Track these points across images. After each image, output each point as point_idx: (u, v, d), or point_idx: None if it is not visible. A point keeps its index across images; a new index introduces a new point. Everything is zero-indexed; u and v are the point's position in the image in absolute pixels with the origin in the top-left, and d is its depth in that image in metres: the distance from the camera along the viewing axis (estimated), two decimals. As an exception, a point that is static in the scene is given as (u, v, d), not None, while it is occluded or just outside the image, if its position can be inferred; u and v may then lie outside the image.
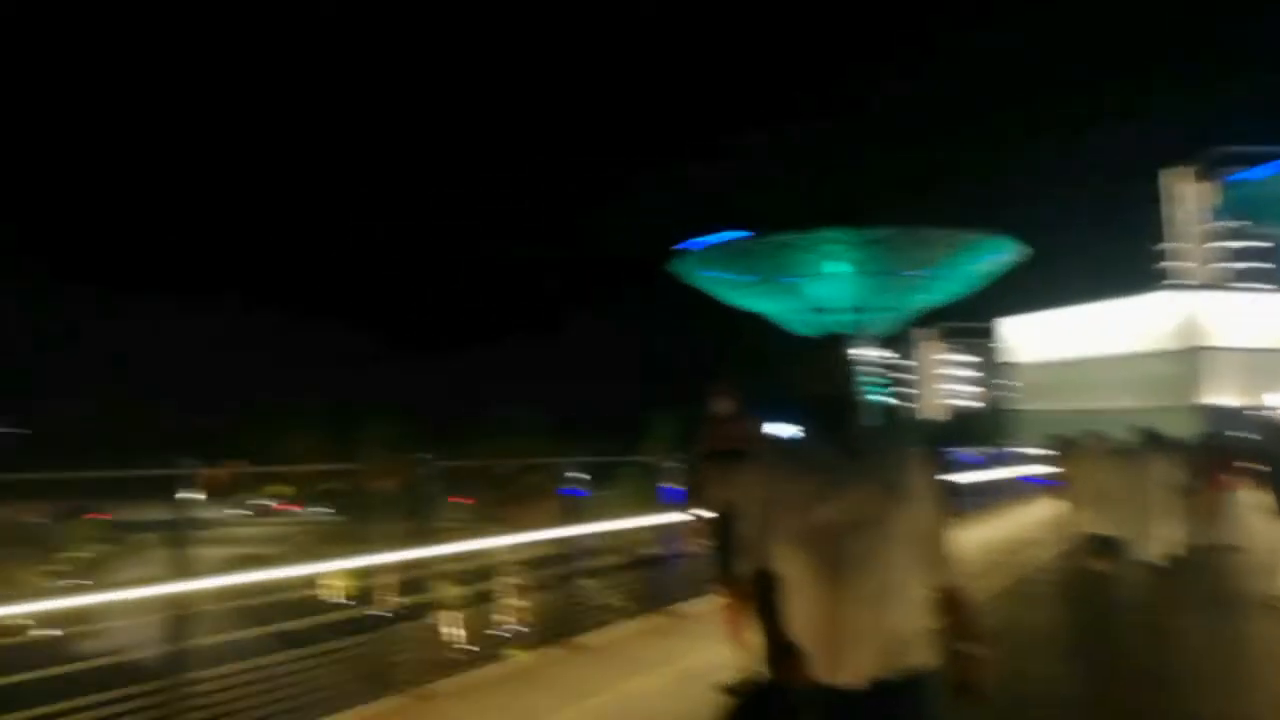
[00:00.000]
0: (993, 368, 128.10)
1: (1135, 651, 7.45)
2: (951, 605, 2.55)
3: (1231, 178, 55.19)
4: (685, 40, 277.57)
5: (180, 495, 4.58)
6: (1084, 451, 14.08)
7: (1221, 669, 6.95)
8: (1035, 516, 16.44)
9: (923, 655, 2.44)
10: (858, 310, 53.35)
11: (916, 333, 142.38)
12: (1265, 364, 46.43)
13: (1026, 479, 21.22)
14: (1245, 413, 43.62)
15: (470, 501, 40.66)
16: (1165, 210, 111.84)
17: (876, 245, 49.51)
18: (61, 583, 31.00)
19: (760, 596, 2.36)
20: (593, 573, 8.18)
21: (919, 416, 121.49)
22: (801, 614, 2.41)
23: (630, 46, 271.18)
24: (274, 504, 62.86)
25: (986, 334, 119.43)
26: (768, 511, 2.48)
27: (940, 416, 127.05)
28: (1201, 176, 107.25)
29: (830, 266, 52.07)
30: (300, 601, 6.56)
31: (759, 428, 5.65)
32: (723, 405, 5.66)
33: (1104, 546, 11.71)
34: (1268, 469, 10.73)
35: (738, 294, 55.44)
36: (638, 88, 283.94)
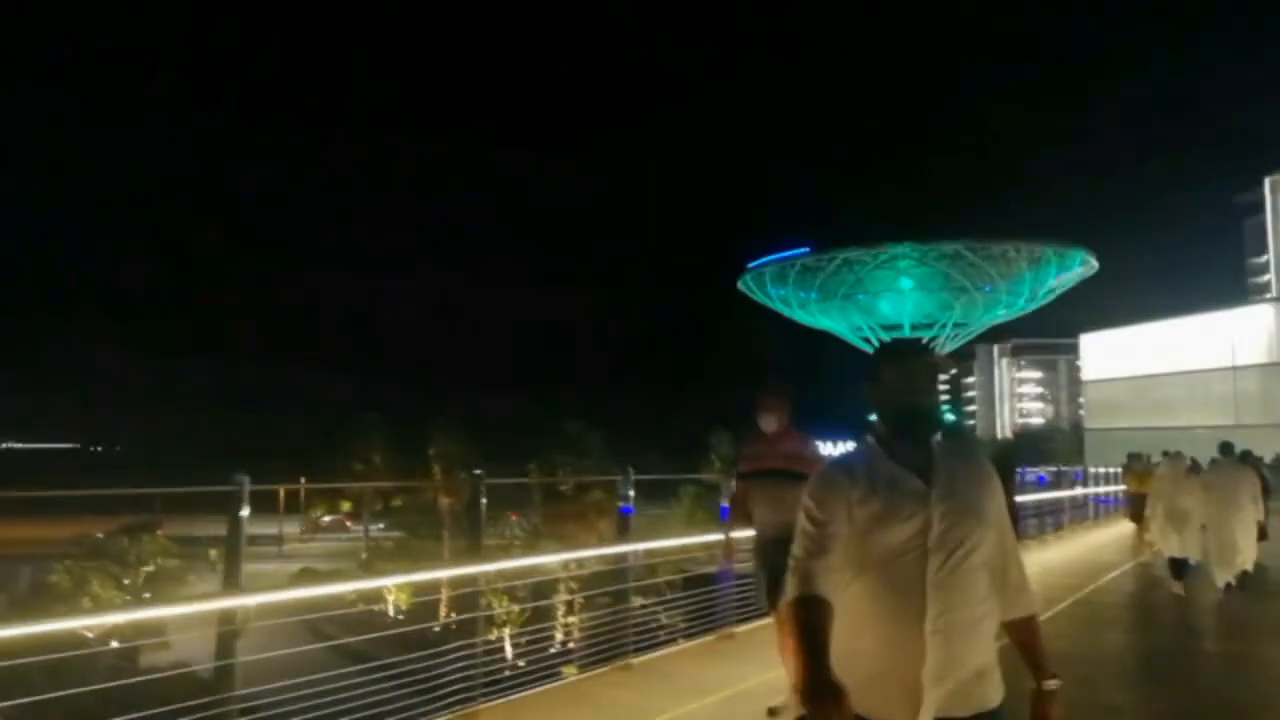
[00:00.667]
0: (1065, 385, 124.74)
1: (1205, 680, 7.10)
2: (1024, 636, 2.41)
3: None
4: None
5: (239, 512, 4.66)
6: (1162, 470, 13.52)
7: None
8: (1109, 537, 15.84)
9: (994, 692, 2.27)
10: (926, 326, 52.45)
11: (985, 349, 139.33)
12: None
13: (1097, 499, 20.48)
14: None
15: (515, 517, 40.90)
16: (1270, 220, 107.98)
17: (944, 260, 48.61)
18: (129, 598, 32.06)
19: (804, 625, 2.12)
20: (647, 591, 8.11)
21: (987, 434, 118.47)
22: (861, 647, 2.20)
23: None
24: (336, 519, 64.18)
25: (1059, 350, 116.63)
26: (829, 532, 2.24)
27: (1009, 434, 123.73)
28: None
29: (899, 281, 51.33)
30: (359, 617, 6.66)
31: (810, 444, 5.30)
32: (771, 420, 5.29)
33: (1180, 567, 11.28)
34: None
35: (806, 311, 54.97)
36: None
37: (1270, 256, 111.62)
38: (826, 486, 2.30)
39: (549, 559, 7.96)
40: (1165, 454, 14.52)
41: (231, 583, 4.75)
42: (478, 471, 6.87)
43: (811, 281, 51.85)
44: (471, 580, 6.19)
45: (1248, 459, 16.28)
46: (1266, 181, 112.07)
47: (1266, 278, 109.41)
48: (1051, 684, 2.35)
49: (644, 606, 7.97)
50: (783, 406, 5.30)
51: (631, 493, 7.48)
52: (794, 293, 53.15)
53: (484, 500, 6.49)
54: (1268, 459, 18.27)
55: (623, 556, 7.38)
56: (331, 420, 64.72)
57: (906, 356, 2.44)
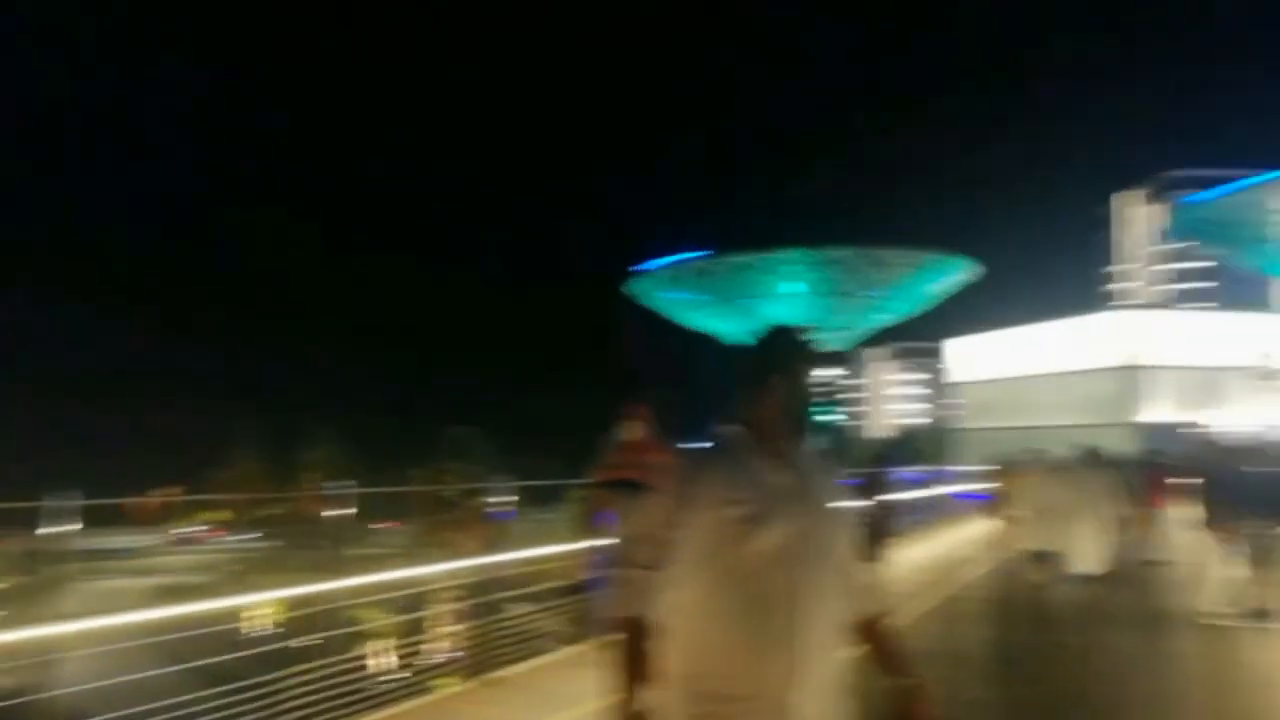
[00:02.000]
0: (941, 386, 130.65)
1: (1065, 672, 7.43)
2: (876, 634, 2.27)
3: (1184, 200, 56.92)
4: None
5: (47, 529, 4.30)
6: (1024, 468, 14.40)
7: (1150, 690, 6.96)
8: (973, 533, 16.55)
9: (839, 700, 2.13)
10: (813, 330, 53.89)
11: (867, 352, 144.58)
12: (1201, 381, 47.72)
13: (967, 495, 21.41)
14: (1179, 430, 44.71)
15: (398, 525, 39.91)
16: (1115, 233, 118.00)
17: (832, 265, 50.08)
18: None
19: (630, 650, 1.96)
20: (521, 600, 7.96)
21: (866, 434, 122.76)
22: (721, 667, 1.98)
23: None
24: (204, 529, 61.05)
25: (936, 353, 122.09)
26: (686, 540, 2.02)
27: (887, 434, 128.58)
28: (1152, 200, 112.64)
29: (786, 286, 52.58)
30: (224, 635, 6.29)
31: (672, 454, 5.29)
32: (634, 428, 5.14)
33: (1042, 560, 11.91)
34: (1199, 484, 10.90)
35: (694, 314, 55.68)
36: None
37: (1116, 268, 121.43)
38: (692, 485, 2.07)
39: (428, 570, 7.71)
40: (1032, 452, 15.41)
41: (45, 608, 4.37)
42: (349, 482, 6.59)
43: (704, 285, 52.64)
44: (331, 596, 5.93)
45: (1107, 459, 17.35)
46: (1113, 199, 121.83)
47: (1113, 286, 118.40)
48: (910, 681, 2.22)
49: (518, 617, 7.82)
50: (646, 415, 5.17)
51: (514, 498, 7.34)
52: (684, 296, 53.89)
53: (354, 510, 6.24)
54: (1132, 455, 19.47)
55: (491, 566, 7.22)
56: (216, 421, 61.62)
57: (798, 345, 2.30)
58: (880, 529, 14.49)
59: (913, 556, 15.33)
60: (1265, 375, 47.91)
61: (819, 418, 2.32)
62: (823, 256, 49.72)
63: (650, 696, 1.93)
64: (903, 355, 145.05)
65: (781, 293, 51.89)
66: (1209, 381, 47.80)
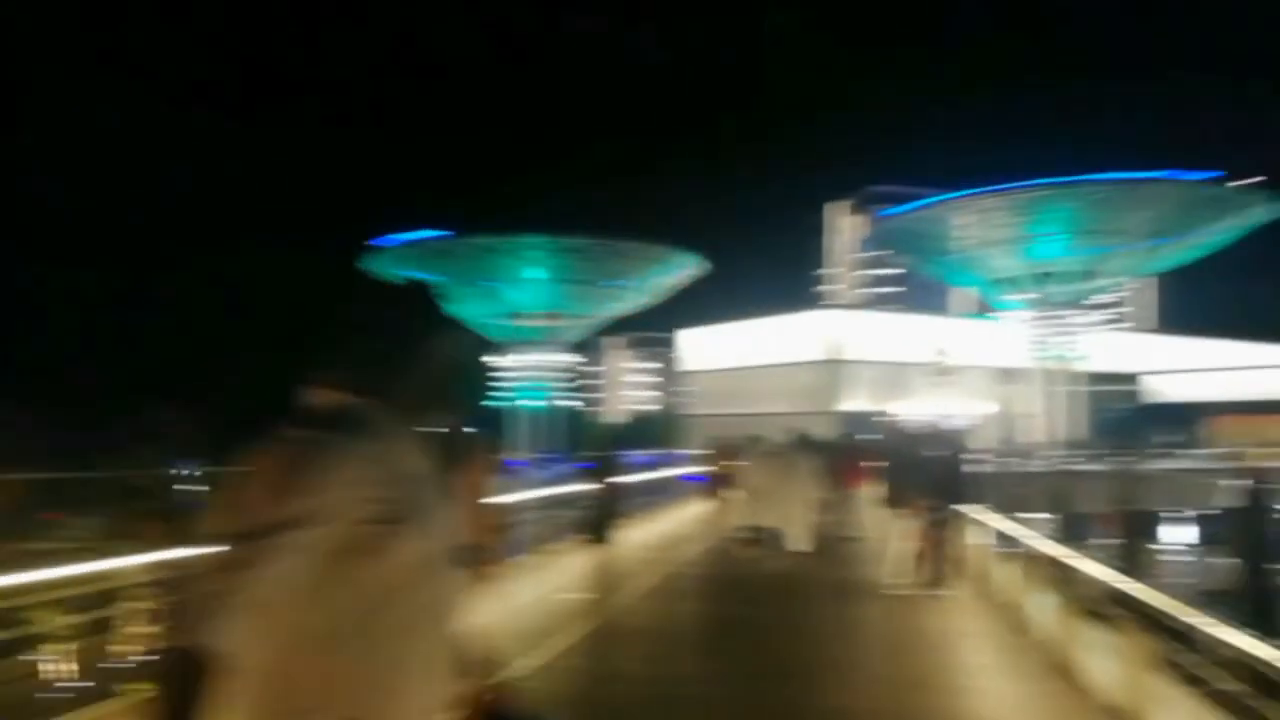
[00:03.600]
0: (674, 375, 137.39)
1: (769, 642, 7.90)
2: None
3: (882, 213, 63.55)
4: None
5: None
6: (737, 452, 15.53)
7: (840, 654, 7.59)
8: (696, 513, 17.41)
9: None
10: (555, 316, 54.30)
11: (605, 340, 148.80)
12: (890, 375, 53.74)
13: (691, 478, 22.51)
14: (873, 418, 50.13)
15: (59, 517, 35.57)
16: (825, 239, 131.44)
17: (572, 254, 50.63)
18: None
19: (173, 689, 1.38)
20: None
21: (601, 420, 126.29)
22: (316, 701, 1.51)
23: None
24: None
25: (669, 343, 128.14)
26: (271, 548, 1.45)
27: (620, 420, 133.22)
28: (856, 211, 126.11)
29: (528, 272, 52.50)
30: None
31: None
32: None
33: (758, 536, 12.81)
34: (885, 467, 12.14)
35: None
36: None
37: (826, 271, 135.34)
38: (306, 475, 1.48)
39: (82, 569, 6.74)
40: (746, 437, 16.54)
41: None
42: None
43: (444, 266, 51.34)
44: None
45: (816, 443, 19.01)
46: (825, 208, 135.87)
47: (824, 287, 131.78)
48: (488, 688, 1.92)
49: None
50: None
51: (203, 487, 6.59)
52: (426, 277, 52.20)
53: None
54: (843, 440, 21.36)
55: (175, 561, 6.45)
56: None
57: (441, 315, 1.81)
58: (609, 510, 14.88)
59: (639, 536, 15.84)
60: (941, 371, 54.87)
61: (469, 396, 1.95)
62: (563, 244, 50.20)
63: None
64: (638, 344, 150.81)
65: (523, 278, 51.87)
66: (897, 376, 53.96)
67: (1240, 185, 46.18)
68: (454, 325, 1.82)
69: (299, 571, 1.47)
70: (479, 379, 1.97)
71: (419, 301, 1.83)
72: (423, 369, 1.71)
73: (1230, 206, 45.60)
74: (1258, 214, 46.56)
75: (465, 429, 4.67)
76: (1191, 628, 4.70)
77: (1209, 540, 43.49)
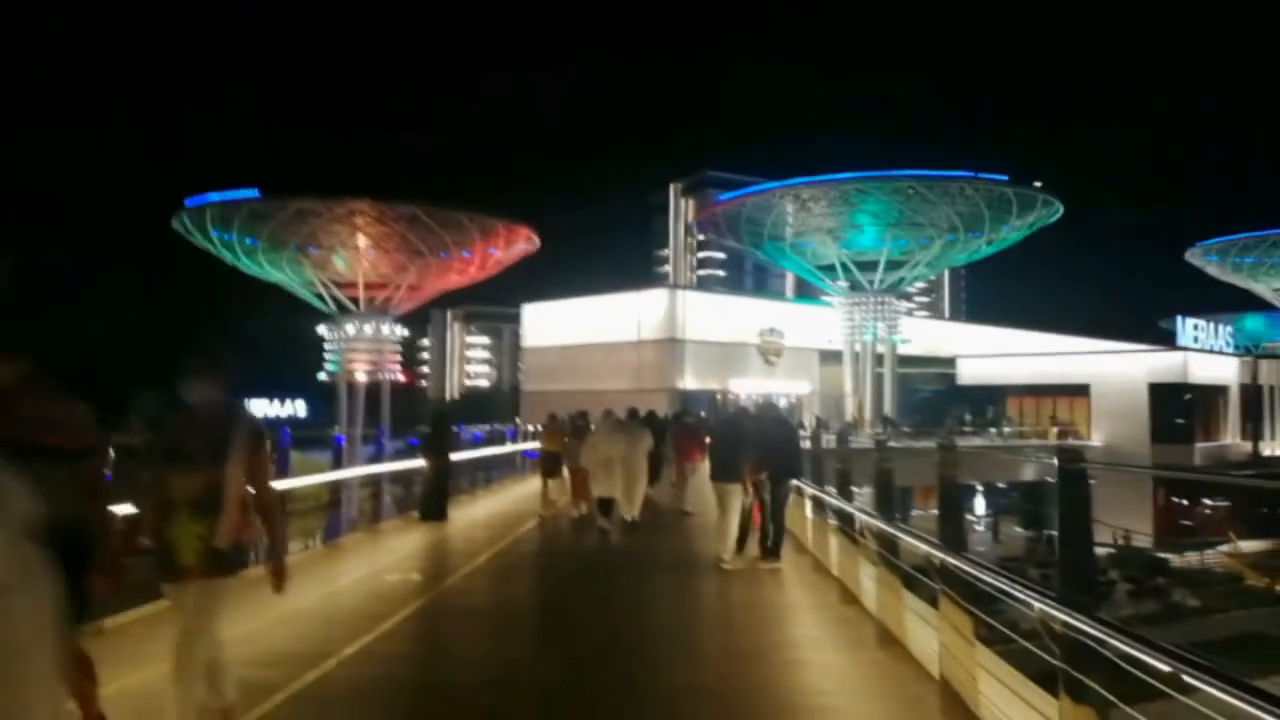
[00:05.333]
0: (508, 350, 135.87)
1: (608, 622, 7.68)
2: None
3: (718, 197, 64.76)
4: None
5: None
6: (568, 427, 15.47)
7: (680, 633, 7.47)
8: (531, 490, 17.09)
9: None
10: (381, 285, 52.09)
11: (439, 314, 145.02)
12: (725, 354, 55.17)
13: (531, 454, 22.17)
14: (705, 397, 51.37)
15: None
16: (669, 222, 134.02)
17: (402, 221, 48.54)
18: None
19: None
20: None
21: (437, 395, 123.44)
22: None
23: None
24: None
25: (504, 319, 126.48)
26: None
27: (455, 395, 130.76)
28: (689, 194, 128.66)
29: (354, 238, 49.98)
30: None
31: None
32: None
33: (606, 508, 12.74)
34: (711, 442, 12.21)
35: (253, 261, 50.56)
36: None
37: (666, 251, 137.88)
38: None
39: None
40: (579, 414, 16.36)
41: None
42: None
43: (260, 230, 47.99)
44: None
45: (657, 420, 19.06)
46: (671, 187, 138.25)
47: (666, 268, 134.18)
48: None
49: None
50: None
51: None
52: (240, 240, 48.73)
53: None
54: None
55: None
56: None
57: None
58: (442, 487, 14.31)
59: (474, 514, 15.35)
60: (771, 351, 56.89)
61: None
62: (390, 211, 47.97)
63: None
64: (475, 318, 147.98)
65: (348, 244, 49.35)
66: (731, 355, 55.44)
67: (1024, 188, 50.06)
68: None
69: None
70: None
71: None
72: None
73: (1014, 206, 49.60)
74: (1039, 215, 50.97)
75: (235, 405, 3.89)
76: (1008, 595, 4.81)
77: (998, 511, 47.59)
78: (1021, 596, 4.27)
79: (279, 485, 10.07)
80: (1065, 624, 3.77)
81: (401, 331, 54.19)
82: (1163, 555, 37.03)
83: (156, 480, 3.91)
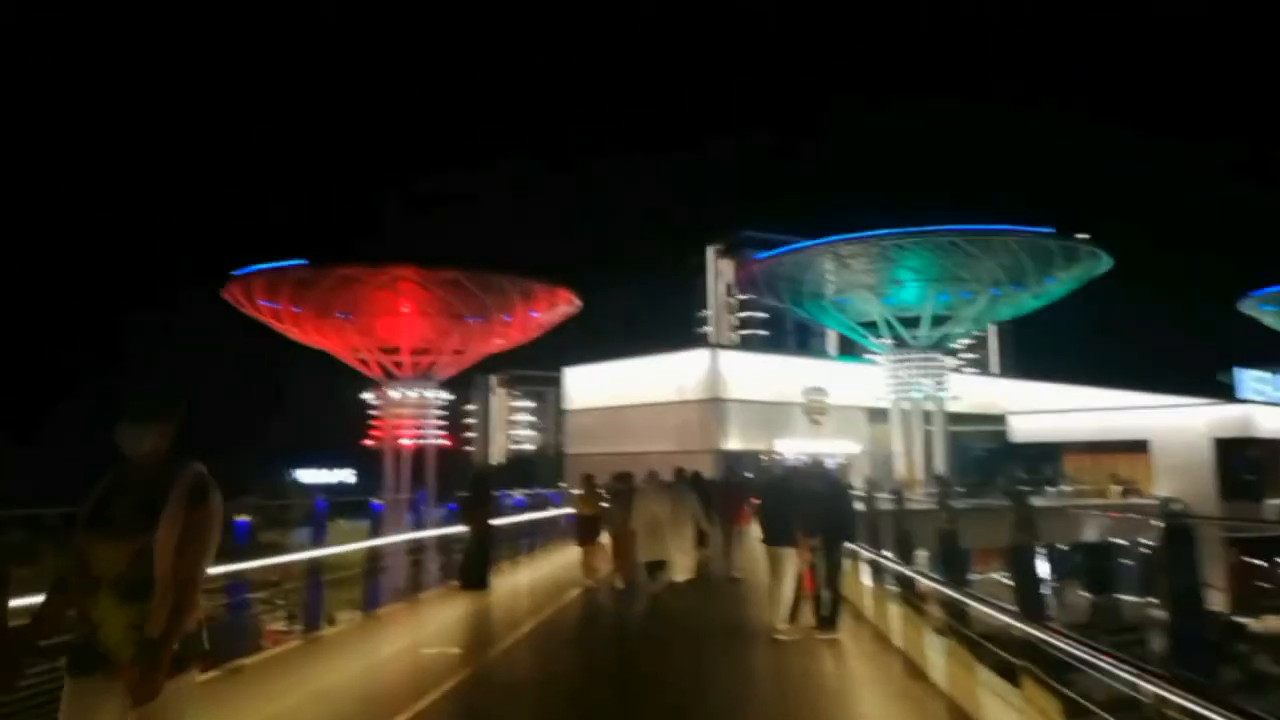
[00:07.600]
0: (552, 413, 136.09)
1: (658, 696, 7.20)
2: None
3: (756, 256, 64.81)
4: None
5: None
6: (642, 489, 14.79)
7: (736, 709, 6.97)
8: (576, 556, 16.60)
9: None
10: (424, 351, 52.54)
11: (483, 378, 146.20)
12: (769, 414, 54.41)
13: (571, 519, 21.68)
14: (749, 458, 50.58)
15: None
16: (709, 282, 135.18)
17: (444, 286, 49.12)
18: None
19: None
20: None
21: (480, 459, 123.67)
22: None
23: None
24: None
25: (547, 381, 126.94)
26: None
27: (500, 459, 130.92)
28: (727, 255, 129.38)
29: (398, 304, 50.68)
30: None
31: None
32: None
33: (652, 571, 12.22)
34: (761, 504, 11.71)
35: (299, 328, 51.42)
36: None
37: (709, 311, 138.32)
38: None
39: None
40: (620, 475, 15.74)
41: None
42: None
43: (306, 297, 48.84)
44: None
45: (704, 481, 18.48)
46: (709, 250, 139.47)
47: (707, 328, 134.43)
48: None
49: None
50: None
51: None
52: (287, 308, 49.61)
53: None
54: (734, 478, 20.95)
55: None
56: None
57: None
58: (484, 554, 13.90)
59: (518, 581, 14.92)
60: (817, 410, 56.02)
61: None
62: (434, 276, 48.56)
63: None
64: (518, 382, 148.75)
65: (392, 311, 49.95)
66: (775, 415, 54.67)
67: (1068, 240, 49.09)
68: None
69: None
70: None
71: None
72: None
73: (1060, 258, 48.65)
74: (1086, 267, 49.90)
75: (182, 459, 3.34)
76: (1102, 671, 4.31)
77: (1061, 574, 45.61)
78: (1125, 675, 3.81)
79: (310, 554, 9.83)
80: (1183, 709, 3.33)
81: (446, 396, 54.35)
82: (1239, 619, 35.13)
83: (74, 552, 3.16)
